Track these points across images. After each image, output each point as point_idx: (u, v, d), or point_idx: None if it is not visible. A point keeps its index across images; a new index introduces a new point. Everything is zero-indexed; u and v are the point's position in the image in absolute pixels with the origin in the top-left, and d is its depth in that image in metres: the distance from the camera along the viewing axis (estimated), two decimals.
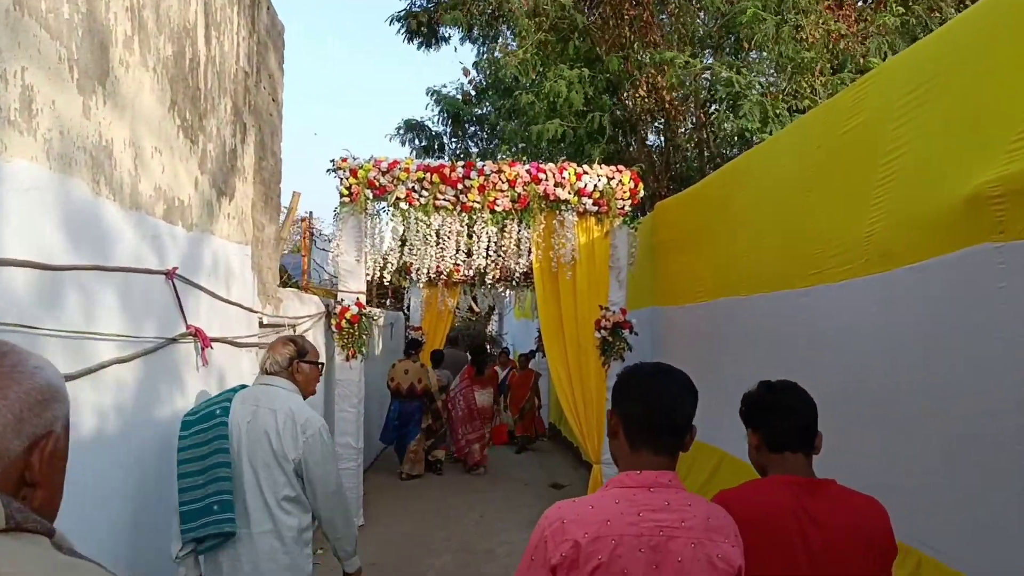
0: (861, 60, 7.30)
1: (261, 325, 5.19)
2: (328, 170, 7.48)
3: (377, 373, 11.85)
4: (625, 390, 2.07)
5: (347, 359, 7.44)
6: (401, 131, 15.47)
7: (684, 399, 2.02)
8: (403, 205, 7.52)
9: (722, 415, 3.81)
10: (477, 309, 20.91)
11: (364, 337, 7.49)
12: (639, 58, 9.74)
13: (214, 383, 4.16)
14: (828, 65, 7.71)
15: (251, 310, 4.82)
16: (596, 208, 7.43)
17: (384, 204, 7.50)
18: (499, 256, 7.57)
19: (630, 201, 7.45)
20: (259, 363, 3.57)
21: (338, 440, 7.33)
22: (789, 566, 2.13)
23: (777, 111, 7.43)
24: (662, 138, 9.80)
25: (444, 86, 15.38)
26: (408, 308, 15.56)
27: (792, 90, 7.70)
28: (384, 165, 7.41)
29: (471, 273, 14.11)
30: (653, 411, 1.99)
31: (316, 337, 7.10)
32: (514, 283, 14.48)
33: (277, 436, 3.15)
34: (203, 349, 3.83)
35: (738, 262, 5.27)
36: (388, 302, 19.32)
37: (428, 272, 7.65)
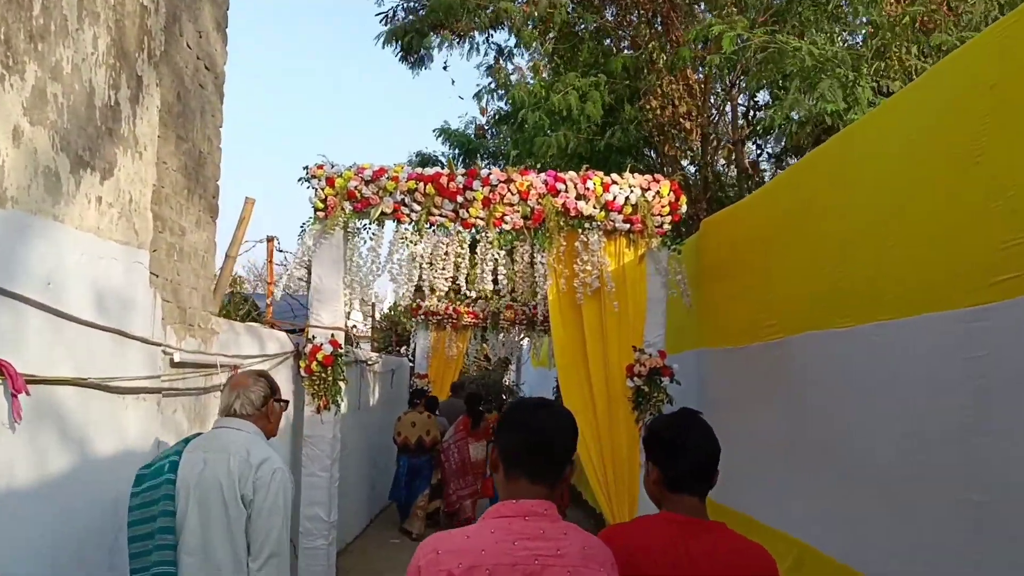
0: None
1: (173, 365, 3.78)
2: (300, 179, 6.13)
3: (374, 426, 10.41)
4: (507, 422, 2.13)
5: (318, 410, 5.98)
6: (412, 164, 14.24)
7: (563, 431, 2.07)
8: (389, 221, 6.15)
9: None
10: (490, 355, 19.40)
11: (340, 384, 6.05)
12: (652, 57, 8.31)
13: (56, 443, 2.75)
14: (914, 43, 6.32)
15: (147, 341, 3.40)
16: (628, 226, 6.00)
17: (366, 221, 6.12)
18: (508, 282, 6.13)
19: (670, 217, 6.02)
20: (222, 405, 3.09)
21: (304, 512, 5.86)
22: None
23: (863, 86, 6.00)
24: (689, 155, 8.36)
25: (449, 123, 14.18)
26: (413, 353, 14.10)
27: (880, 68, 6.31)
28: (368, 173, 6.05)
29: (479, 310, 12.75)
30: (531, 441, 2.03)
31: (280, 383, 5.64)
32: (530, 325, 13.09)
33: (230, 480, 2.86)
34: (13, 395, 2.40)
35: (834, 281, 3.81)
36: (393, 347, 17.94)
37: (412, 300, 6.18)
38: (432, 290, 6.50)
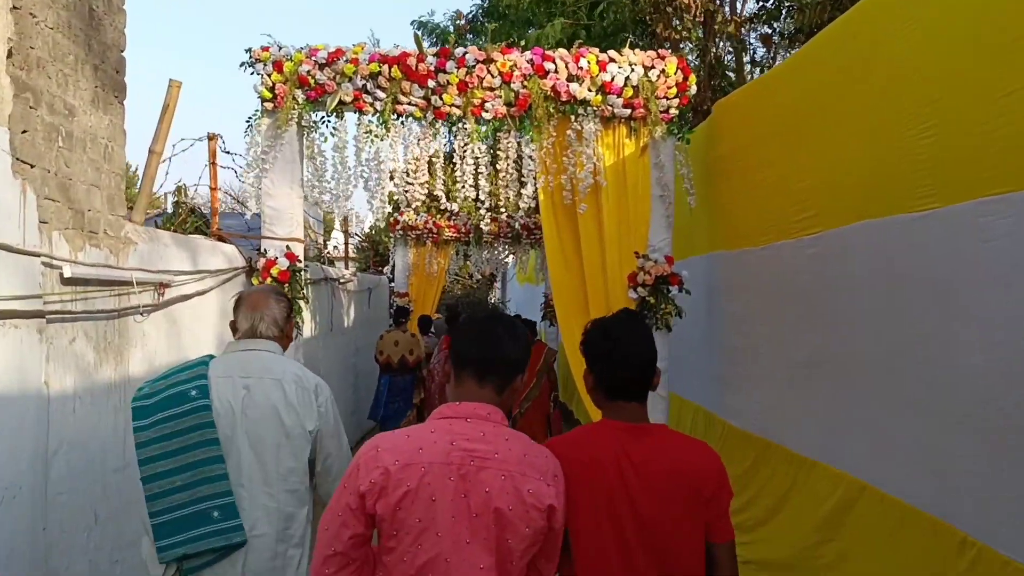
0: None
1: (65, 281, 2.96)
2: (242, 63, 5.20)
3: (350, 347, 9.69)
4: (460, 329, 2.17)
5: None
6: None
7: (515, 339, 2.10)
8: (350, 114, 5.26)
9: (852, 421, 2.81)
10: (473, 272, 18.62)
11: (299, 303, 5.25)
12: None
13: None
14: None
15: (11, 249, 2.58)
16: (628, 111, 5.14)
17: (323, 113, 5.23)
18: (490, 187, 5.29)
19: (677, 101, 5.16)
20: (244, 326, 2.83)
21: None
22: (610, 507, 2.09)
23: None
24: (690, 39, 7.36)
25: (431, 14, 12.92)
26: (393, 271, 13.29)
27: None
28: (323, 55, 5.12)
29: (460, 224, 11.90)
30: (481, 344, 2.07)
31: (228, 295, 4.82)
32: (515, 240, 12.27)
33: (289, 409, 2.68)
34: None
35: (901, 155, 3.01)
36: (372, 267, 17.12)
37: (385, 213, 5.33)
38: (408, 203, 5.65)
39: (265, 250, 5.25)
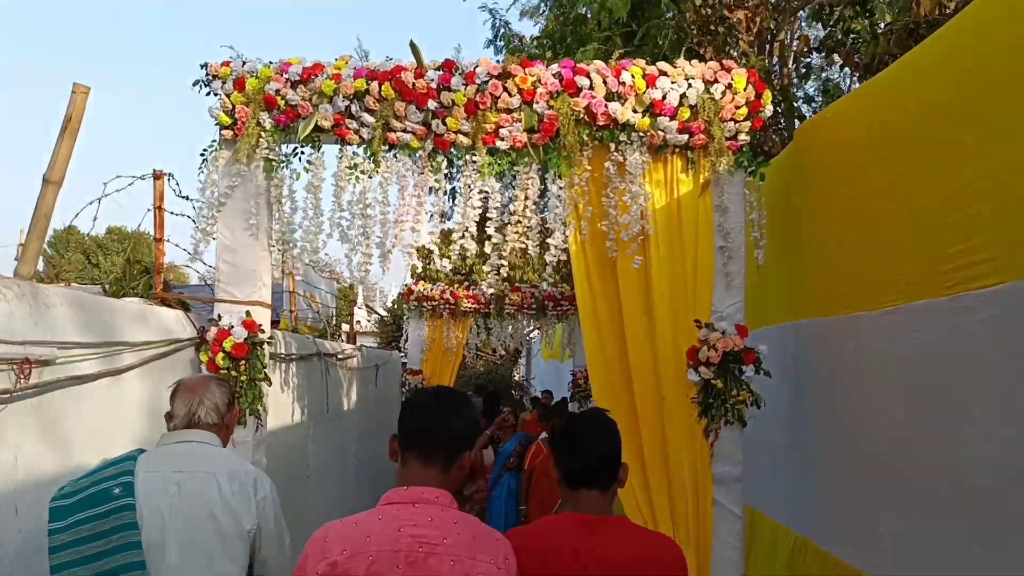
0: None
1: None
2: (196, 81, 4.14)
3: (350, 434, 8.44)
4: (403, 407, 2.15)
5: None
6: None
7: (458, 414, 2.07)
8: (330, 146, 4.16)
9: None
10: (495, 347, 17.35)
11: (257, 385, 4.06)
12: None
13: None
14: None
15: None
16: (685, 138, 4.00)
17: (294, 144, 4.14)
18: (502, 232, 4.13)
19: (748, 124, 4.00)
20: (180, 414, 2.68)
21: None
22: None
23: None
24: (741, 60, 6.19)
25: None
26: (406, 343, 12.11)
27: None
28: (296, 71, 4.05)
29: (480, 294, 10.78)
30: (423, 422, 2.05)
31: (162, 380, 3.57)
32: (540, 311, 11.11)
33: (225, 506, 2.51)
34: None
35: None
36: (393, 343, 15.96)
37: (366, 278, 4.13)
38: (406, 252, 4.49)
39: (219, 316, 4.09)
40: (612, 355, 4.12)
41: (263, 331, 4.10)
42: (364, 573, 1.84)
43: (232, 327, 4.00)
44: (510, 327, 12.19)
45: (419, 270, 11.27)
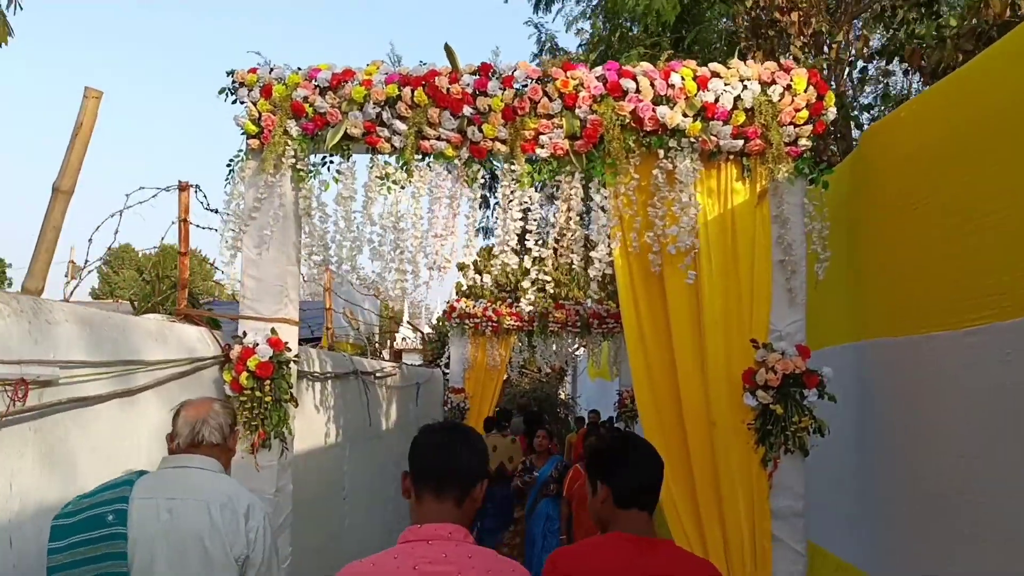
0: None
1: None
2: (223, 89, 3.97)
3: (391, 453, 8.20)
4: (414, 445, 2.12)
5: (251, 449, 3.77)
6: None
7: (469, 448, 2.09)
8: (362, 155, 3.96)
9: None
10: (540, 366, 17.05)
11: (286, 407, 3.85)
12: None
13: None
14: None
15: None
16: (740, 143, 3.71)
17: (322, 153, 3.94)
18: (542, 244, 3.88)
19: (810, 128, 3.70)
20: (178, 432, 2.68)
21: None
22: None
23: None
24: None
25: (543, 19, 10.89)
26: (447, 364, 11.89)
27: None
28: (325, 76, 3.86)
29: (522, 311, 10.52)
30: (436, 457, 2.07)
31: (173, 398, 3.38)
32: (584, 328, 10.81)
33: (214, 534, 2.49)
34: None
35: None
36: (436, 361, 15.76)
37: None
38: (439, 267, 4.25)
39: (244, 334, 3.89)
40: (659, 376, 3.83)
41: (289, 349, 3.89)
42: None
43: (257, 345, 3.79)
44: (554, 345, 11.90)
45: (464, 287, 11.08)
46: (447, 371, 11.98)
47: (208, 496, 2.55)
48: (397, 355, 15.57)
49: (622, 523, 2.26)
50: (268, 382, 3.79)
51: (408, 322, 24.27)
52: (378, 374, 7.61)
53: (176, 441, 2.71)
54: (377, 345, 12.73)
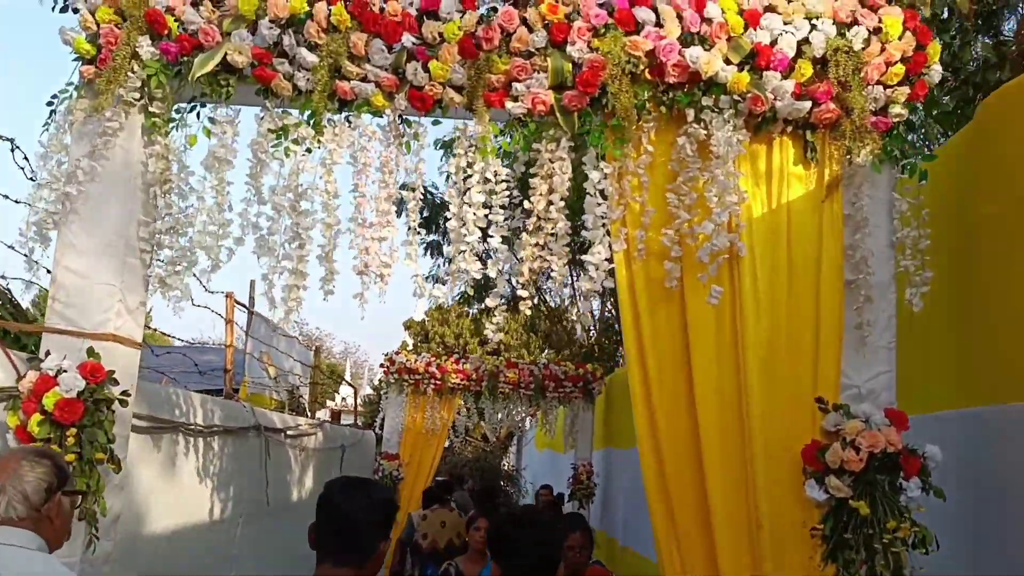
0: None
1: None
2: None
3: (299, 530, 6.68)
4: (318, 504, 2.01)
5: None
6: None
7: (369, 507, 1.97)
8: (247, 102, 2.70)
9: None
10: (487, 434, 15.62)
11: (95, 469, 2.48)
12: None
13: None
14: None
15: None
16: (806, 107, 2.54)
17: (189, 90, 2.67)
18: (512, 242, 2.63)
19: (906, 90, 2.54)
20: None
21: None
22: None
23: None
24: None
25: None
26: (382, 426, 10.47)
27: None
28: None
29: (471, 368, 9.28)
30: (332, 520, 1.96)
31: None
32: (539, 391, 9.60)
33: None
34: None
35: None
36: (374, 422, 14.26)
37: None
38: (379, 275, 2.92)
39: (46, 354, 2.54)
40: (674, 450, 2.57)
41: (115, 382, 2.54)
42: None
43: (60, 370, 2.45)
44: (503, 410, 10.58)
45: (409, 347, 9.86)
46: (380, 432, 10.54)
47: None
48: (335, 416, 14.09)
49: None
50: (74, 431, 2.43)
51: (347, 381, 22.64)
52: (289, 432, 6.19)
53: None
54: (303, 401, 11.23)
